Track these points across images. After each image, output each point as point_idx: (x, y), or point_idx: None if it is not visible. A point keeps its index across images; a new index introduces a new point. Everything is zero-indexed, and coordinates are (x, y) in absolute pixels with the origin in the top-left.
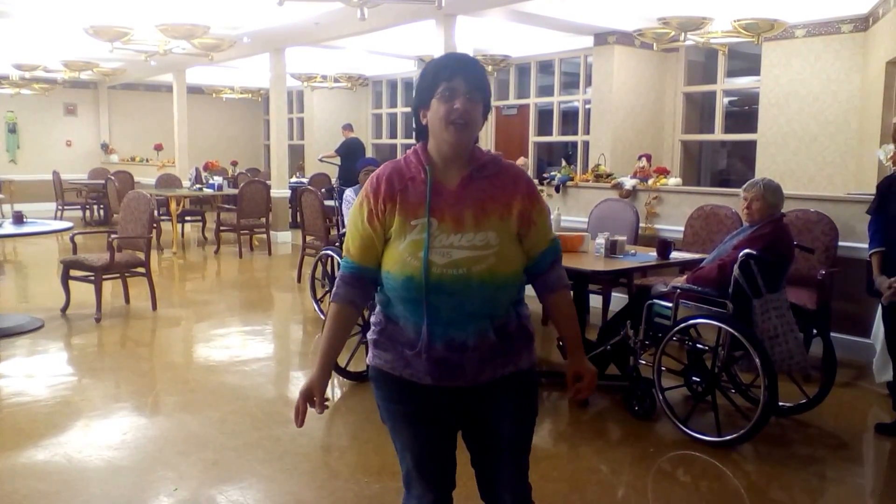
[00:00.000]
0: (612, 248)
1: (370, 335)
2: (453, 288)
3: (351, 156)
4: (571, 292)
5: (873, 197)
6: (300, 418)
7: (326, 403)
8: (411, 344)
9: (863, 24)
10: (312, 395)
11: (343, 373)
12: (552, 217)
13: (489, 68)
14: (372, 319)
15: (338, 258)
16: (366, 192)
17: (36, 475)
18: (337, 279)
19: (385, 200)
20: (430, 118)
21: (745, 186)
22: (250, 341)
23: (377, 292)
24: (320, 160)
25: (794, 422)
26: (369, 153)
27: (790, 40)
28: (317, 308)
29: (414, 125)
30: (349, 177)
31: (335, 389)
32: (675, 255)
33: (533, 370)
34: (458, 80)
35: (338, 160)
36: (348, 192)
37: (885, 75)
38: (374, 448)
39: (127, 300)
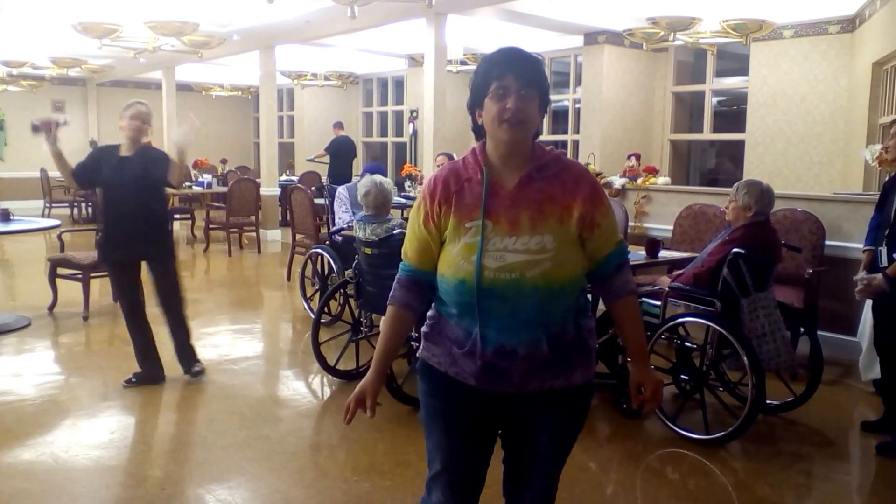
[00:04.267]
0: None
1: (423, 328)
2: (505, 293)
3: (341, 154)
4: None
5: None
6: (349, 418)
7: (378, 403)
8: (461, 343)
9: (849, 25)
10: (365, 398)
11: (332, 371)
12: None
13: None
14: (428, 313)
15: (328, 256)
16: (423, 194)
17: (22, 474)
18: (395, 282)
19: (441, 203)
20: (485, 118)
21: None
22: (239, 340)
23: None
24: (309, 161)
25: (781, 419)
26: (360, 152)
27: (778, 41)
28: (306, 306)
29: (471, 125)
30: (340, 175)
31: (324, 388)
32: (664, 254)
33: (588, 387)
34: (509, 77)
35: (327, 159)
36: (340, 190)
37: (871, 76)
38: (363, 447)
39: (115, 298)
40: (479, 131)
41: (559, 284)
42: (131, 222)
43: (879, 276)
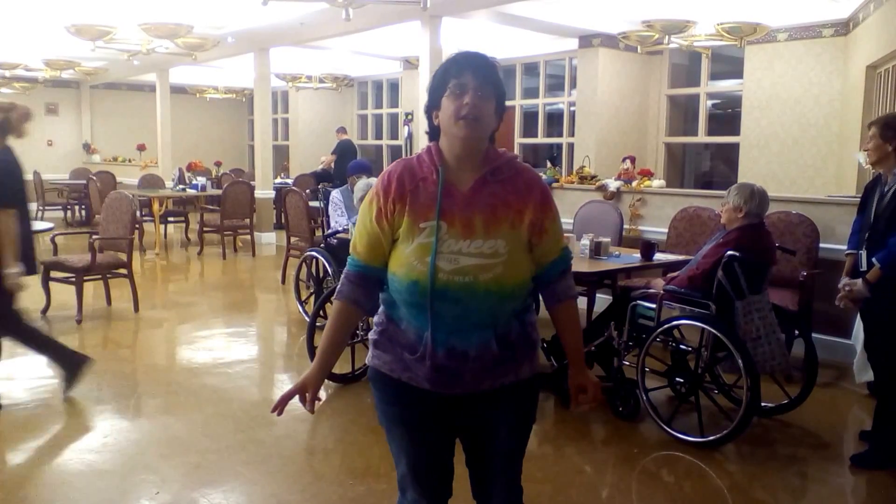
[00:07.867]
0: (597, 250)
1: (371, 335)
2: (458, 295)
3: (345, 156)
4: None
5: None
6: (280, 408)
7: (318, 399)
8: (412, 348)
9: (843, 28)
10: (305, 392)
11: (328, 375)
12: None
13: None
14: (374, 319)
15: (323, 259)
16: (376, 190)
17: (15, 479)
18: (342, 277)
19: (395, 200)
20: (441, 117)
21: None
22: (233, 343)
23: (382, 292)
24: (322, 169)
25: (776, 422)
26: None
27: (772, 44)
28: (301, 310)
29: (427, 128)
30: (343, 177)
31: (319, 392)
32: (659, 257)
33: (534, 379)
34: (466, 75)
35: (333, 161)
36: (335, 194)
37: (864, 79)
38: (358, 450)
39: (108, 302)
40: (434, 133)
41: (510, 288)
42: None
43: (859, 281)
